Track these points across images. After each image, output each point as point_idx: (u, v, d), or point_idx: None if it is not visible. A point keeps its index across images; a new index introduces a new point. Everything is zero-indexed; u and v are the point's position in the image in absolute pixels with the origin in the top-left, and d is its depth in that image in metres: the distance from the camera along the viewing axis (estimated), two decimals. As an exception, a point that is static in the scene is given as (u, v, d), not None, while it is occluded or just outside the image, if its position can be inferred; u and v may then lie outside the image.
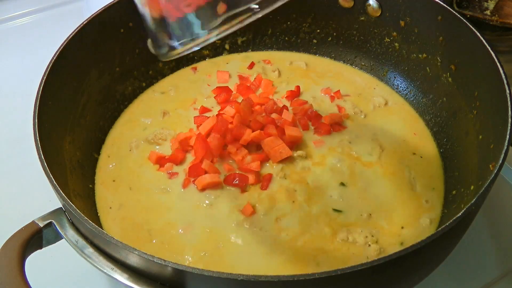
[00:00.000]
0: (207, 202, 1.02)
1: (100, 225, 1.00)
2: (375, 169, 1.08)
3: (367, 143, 1.13)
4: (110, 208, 1.03)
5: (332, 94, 1.24)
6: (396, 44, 1.24)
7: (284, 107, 1.18)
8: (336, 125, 1.16)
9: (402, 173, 1.08)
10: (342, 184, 1.05)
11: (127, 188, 1.06)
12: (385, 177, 1.07)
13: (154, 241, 0.97)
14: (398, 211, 1.01)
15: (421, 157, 1.11)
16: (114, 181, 1.08)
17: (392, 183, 1.06)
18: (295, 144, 1.11)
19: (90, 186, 1.06)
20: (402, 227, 0.99)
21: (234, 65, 1.33)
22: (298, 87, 1.25)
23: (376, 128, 1.17)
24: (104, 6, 1.12)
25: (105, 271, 0.79)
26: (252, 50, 1.36)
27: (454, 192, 1.02)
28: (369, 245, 0.95)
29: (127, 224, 1.00)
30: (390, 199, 1.03)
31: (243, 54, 1.36)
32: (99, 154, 1.13)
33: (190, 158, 1.11)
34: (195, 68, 1.32)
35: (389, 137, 1.15)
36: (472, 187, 0.95)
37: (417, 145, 1.14)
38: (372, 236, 0.96)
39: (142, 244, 0.96)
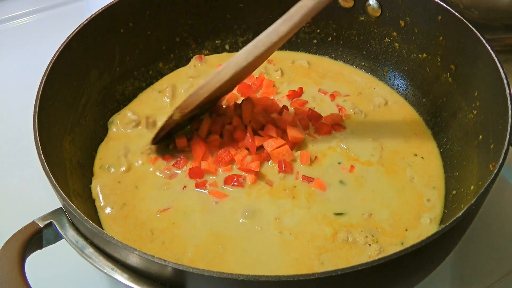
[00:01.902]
0: (207, 202, 1.02)
1: (100, 225, 1.00)
2: (376, 168, 1.08)
3: (367, 143, 1.13)
4: (112, 208, 1.03)
5: (333, 94, 1.24)
6: (396, 44, 1.23)
7: (284, 107, 1.18)
8: (337, 125, 1.16)
9: (403, 172, 1.08)
10: (342, 183, 1.05)
11: (132, 187, 1.06)
12: (386, 176, 1.07)
13: (156, 240, 0.97)
14: (399, 210, 1.01)
15: (423, 158, 1.11)
16: (119, 182, 1.07)
17: (393, 182, 1.06)
18: (296, 144, 1.11)
19: (90, 186, 1.06)
20: (403, 227, 0.99)
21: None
22: (301, 88, 1.25)
23: (377, 128, 1.17)
24: (104, 6, 1.12)
25: (105, 271, 0.79)
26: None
27: (454, 192, 1.02)
28: (370, 245, 0.95)
29: (129, 224, 1.00)
30: (391, 198, 1.03)
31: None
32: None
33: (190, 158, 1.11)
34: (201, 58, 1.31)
35: (389, 137, 1.15)
36: (472, 187, 0.95)
37: (418, 145, 1.13)
38: (373, 236, 0.96)
39: (144, 244, 0.96)
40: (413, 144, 1.14)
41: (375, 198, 1.03)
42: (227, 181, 1.05)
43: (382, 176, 1.07)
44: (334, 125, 1.16)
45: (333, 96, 1.24)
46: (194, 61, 1.30)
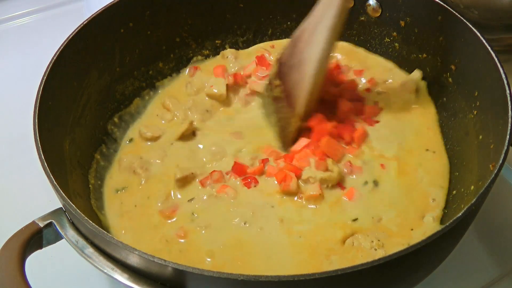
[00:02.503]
0: (229, 201, 1.02)
1: (99, 221, 1.00)
2: (392, 164, 1.06)
3: (386, 139, 1.11)
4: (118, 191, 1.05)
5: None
6: (396, 44, 1.23)
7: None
8: (373, 119, 1.14)
9: (415, 172, 1.05)
10: (366, 183, 1.03)
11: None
12: (399, 177, 1.04)
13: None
14: (405, 210, 0.99)
15: (434, 152, 1.09)
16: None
17: (404, 182, 1.03)
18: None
19: (90, 186, 1.06)
20: (409, 227, 0.97)
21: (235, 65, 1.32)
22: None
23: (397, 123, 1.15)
24: (104, 6, 1.12)
25: (105, 271, 0.79)
26: (251, 51, 1.36)
27: (454, 192, 1.02)
28: (375, 249, 0.93)
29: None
30: (400, 198, 1.01)
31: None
32: (99, 154, 1.13)
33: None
34: (196, 68, 1.31)
35: (405, 133, 1.12)
36: (472, 187, 0.94)
37: (430, 140, 1.11)
38: (378, 240, 0.94)
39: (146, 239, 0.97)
40: (424, 138, 1.11)
41: (385, 199, 1.01)
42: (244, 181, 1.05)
43: (395, 176, 1.04)
44: (370, 120, 1.14)
45: (368, 90, 1.20)
46: (188, 77, 1.28)
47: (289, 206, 1.01)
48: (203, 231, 0.97)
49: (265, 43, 1.34)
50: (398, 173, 1.05)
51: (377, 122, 1.14)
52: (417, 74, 1.18)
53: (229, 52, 1.30)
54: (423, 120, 1.15)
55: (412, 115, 1.15)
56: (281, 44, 1.30)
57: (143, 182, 1.07)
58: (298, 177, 1.02)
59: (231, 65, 1.27)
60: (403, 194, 1.02)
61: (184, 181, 1.05)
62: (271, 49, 1.31)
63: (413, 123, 1.14)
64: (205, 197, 1.03)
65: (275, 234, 0.97)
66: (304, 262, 0.92)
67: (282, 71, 1.09)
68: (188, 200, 1.03)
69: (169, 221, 1.00)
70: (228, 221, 0.99)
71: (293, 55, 1.06)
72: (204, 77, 1.25)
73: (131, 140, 1.17)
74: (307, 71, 1.03)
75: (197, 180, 1.05)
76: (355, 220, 0.98)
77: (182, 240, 0.97)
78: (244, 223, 0.98)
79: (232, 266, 0.91)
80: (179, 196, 1.04)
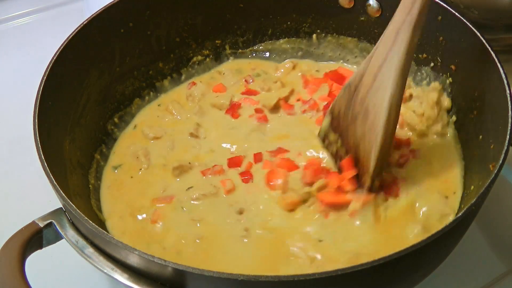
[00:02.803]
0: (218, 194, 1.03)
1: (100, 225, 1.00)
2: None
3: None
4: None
5: None
6: (396, 44, 1.23)
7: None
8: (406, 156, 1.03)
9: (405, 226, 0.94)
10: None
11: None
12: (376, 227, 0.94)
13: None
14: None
15: (454, 193, 0.99)
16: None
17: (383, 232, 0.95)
18: None
19: (90, 186, 1.06)
20: None
21: (230, 75, 1.32)
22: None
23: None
24: (104, 6, 1.12)
25: (105, 271, 0.79)
26: (251, 51, 1.36)
27: (454, 192, 1.02)
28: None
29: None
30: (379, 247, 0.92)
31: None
32: (99, 154, 1.13)
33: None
34: (194, 83, 1.28)
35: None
36: (472, 187, 0.95)
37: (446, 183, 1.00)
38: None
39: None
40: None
41: (359, 237, 0.92)
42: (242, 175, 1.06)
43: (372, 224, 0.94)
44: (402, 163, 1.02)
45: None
46: (187, 91, 1.27)
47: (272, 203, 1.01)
48: (189, 221, 0.99)
49: (248, 60, 1.34)
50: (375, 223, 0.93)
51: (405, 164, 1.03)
52: (436, 87, 1.10)
53: (224, 68, 1.32)
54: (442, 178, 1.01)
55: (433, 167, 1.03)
56: (261, 65, 1.31)
57: (143, 168, 1.10)
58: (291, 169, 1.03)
59: (231, 83, 1.28)
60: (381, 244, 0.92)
61: (180, 170, 1.07)
62: (252, 71, 1.30)
63: (429, 180, 1.00)
64: (203, 187, 1.04)
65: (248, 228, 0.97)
66: (264, 259, 0.91)
67: (339, 124, 0.95)
68: (187, 189, 1.04)
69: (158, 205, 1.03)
70: (218, 216, 1.00)
71: (352, 105, 0.92)
72: (204, 88, 1.26)
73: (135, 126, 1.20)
74: (375, 122, 0.87)
75: (198, 170, 1.07)
76: (320, 241, 0.93)
77: (160, 223, 0.99)
78: (231, 219, 0.99)
79: (192, 259, 0.92)
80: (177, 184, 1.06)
